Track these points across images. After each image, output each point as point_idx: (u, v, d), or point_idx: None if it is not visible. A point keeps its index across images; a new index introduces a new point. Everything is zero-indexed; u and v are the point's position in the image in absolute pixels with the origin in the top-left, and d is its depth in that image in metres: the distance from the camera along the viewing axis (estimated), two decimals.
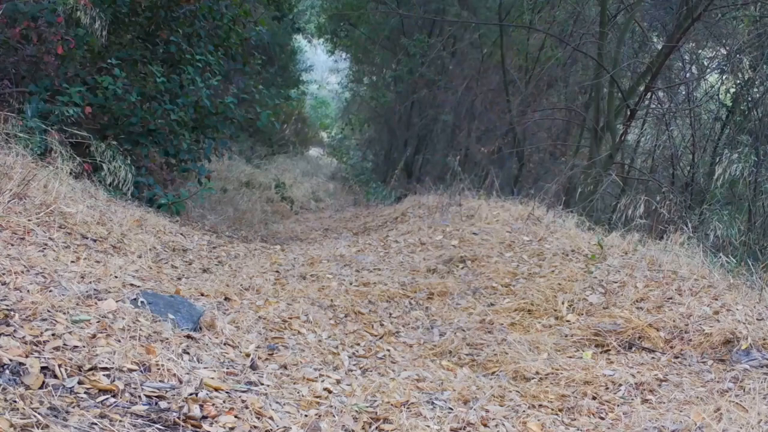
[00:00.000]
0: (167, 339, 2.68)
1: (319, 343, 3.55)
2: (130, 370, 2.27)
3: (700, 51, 10.89)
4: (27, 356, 2.14)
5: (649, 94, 10.32)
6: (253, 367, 2.81)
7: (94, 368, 2.21)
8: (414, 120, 14.69)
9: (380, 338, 3.92)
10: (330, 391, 2.71)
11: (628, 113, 10.22)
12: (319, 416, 2.39)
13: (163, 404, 2.14)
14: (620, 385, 3.15)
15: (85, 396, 2.04)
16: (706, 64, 10.84)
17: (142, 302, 2.96)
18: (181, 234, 6.21)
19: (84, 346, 2.33)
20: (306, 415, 2.36)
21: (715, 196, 9.11)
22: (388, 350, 3.64)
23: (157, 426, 1.98)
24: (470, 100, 12.86)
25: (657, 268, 4.98)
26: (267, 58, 12.08)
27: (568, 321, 4.22)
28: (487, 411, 2.76)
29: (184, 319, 2.98)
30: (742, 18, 9.33)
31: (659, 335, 3.80)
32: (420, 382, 3.13)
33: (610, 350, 3.70)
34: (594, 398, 3.02)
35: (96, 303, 2.79)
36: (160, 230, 5.84)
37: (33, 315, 2.45)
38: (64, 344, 2.30)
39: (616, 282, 4.76)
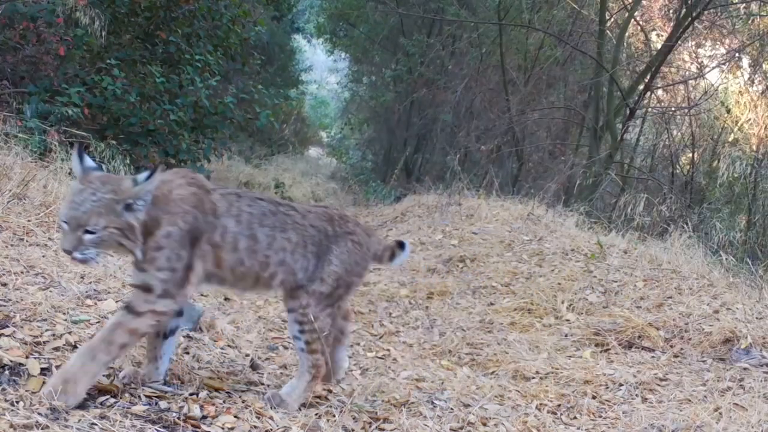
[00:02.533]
0: None
1: None
2: None
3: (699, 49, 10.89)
4: (27, 357, 2.14)
5: (648, 93, 10.33)
6: (253, 367, 2.81)
7: None
8: (413, 119, 14.67)
9: (380, 338, 3.92)
10: (330, 391, 2.71)
11: (628, 112, 10.23)
12: (319, 416, 2.39)
13: (163, 404, 2.14)
14: (620, 384, 3.15)
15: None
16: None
17: None
18: None
19: None
20: (306, 415, 2.36)
21: (714, 195, 9.12)
22: (388, 350, 3.64)
23: (157, 426, 1.98)
24: (469, 100, 12.84)
25: (657, 267, 4.99)
26: (266, 58, 12.08)
27: (567, 320, 4.23)
28: (486, 410, 2.76)
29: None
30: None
31: (659, 334, 3.80)
32: (420, 381, 3.13)
33: (609, 349, 3.71)
34: (594, 397, 3.02)
35: (96, 303, 2.79)
36: None
37: (33, 315, 2.45)
38: (64, 345, 2.30)
39: (615, 281, 4.76)
